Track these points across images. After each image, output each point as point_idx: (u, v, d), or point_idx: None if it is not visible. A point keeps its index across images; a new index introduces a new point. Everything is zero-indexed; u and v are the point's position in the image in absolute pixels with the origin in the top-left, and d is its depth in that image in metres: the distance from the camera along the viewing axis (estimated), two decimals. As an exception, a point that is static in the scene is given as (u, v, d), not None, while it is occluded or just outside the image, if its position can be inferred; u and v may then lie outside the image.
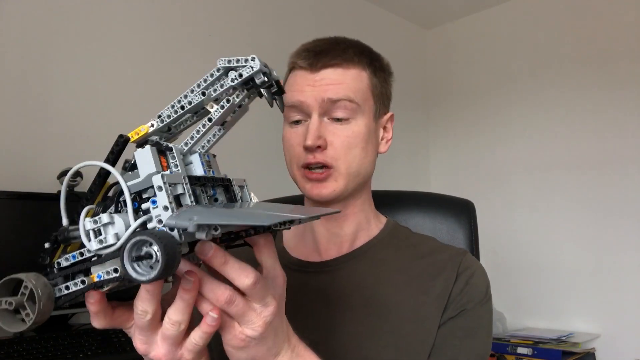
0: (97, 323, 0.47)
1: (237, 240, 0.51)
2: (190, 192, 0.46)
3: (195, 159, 0.49)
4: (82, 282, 0.44)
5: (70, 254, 0.45)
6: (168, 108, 0.48)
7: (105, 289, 0.45)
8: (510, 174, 2.52)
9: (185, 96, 0.48)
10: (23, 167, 1.45)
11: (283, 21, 2.19)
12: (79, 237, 0.44)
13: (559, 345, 1.98)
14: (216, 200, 0.50)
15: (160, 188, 0.43)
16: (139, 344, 0.48)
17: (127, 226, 0.43)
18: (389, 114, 0.83)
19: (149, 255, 0.40)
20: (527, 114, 2.49)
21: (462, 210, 1.04)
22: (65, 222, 0.46)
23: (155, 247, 0.39)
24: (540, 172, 2.41)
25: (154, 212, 0.43)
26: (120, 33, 1.71)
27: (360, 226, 0.81)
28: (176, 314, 0.46)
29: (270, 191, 1.08)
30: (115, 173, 0.45)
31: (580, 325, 2.20)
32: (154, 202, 0.43)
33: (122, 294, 0.50)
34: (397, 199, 1.08)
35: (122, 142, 0.47)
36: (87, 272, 0.45)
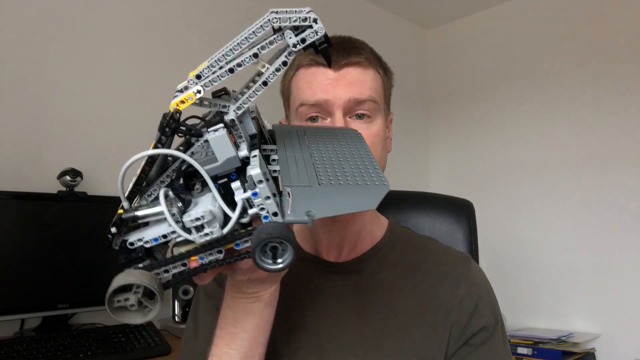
0: (204, 282, 0.52)
1: None
2: (269, 174, 0.46)
3: (245, 117, 0.50)
4: (183, 264, 0.47)
5: (150, 238, 0.46)
6: (208, 70, 0.46)
7: (210, 270, 0.48)
8: (510, 174, 2.52)
9: (227, 55, 0.46)
10: (23, 167, 1.46)
11: (283, 21, 2.19)
12: (145, 216, 0.46)
13: (559, 345, 1.98)
14: None
15: (261, 182, 0.44)
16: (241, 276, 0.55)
17: (221, 212, 0.45)
18: (391, 115, 0.85)
19: (273, 249, 0.44)
20: (527, 114, 2.49)
21: (461, 211, 1.04)
22: (126, 204, 0.47)
23: (284, 246, 0.44)
24: (540, 172, 2.41)
25: (256, 202, 0.44)
26: (120, 33, 1.71)
27: (363, 227, 0.81)
28: None
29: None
30: (196, 165, 0.45)
31: (580, 325, 2.20)
32: (255, 194, 0.44)
33: None
34: (397, 199, 1.08)
35: (185, 122, 0.47)
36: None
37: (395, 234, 0.82)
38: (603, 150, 2.23)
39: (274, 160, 0.52)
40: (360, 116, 0.74)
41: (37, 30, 1.53)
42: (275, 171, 0.49)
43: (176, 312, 1.53)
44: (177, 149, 0.48)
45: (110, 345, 1.23)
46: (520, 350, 2.00)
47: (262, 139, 0.55)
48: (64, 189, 1.39)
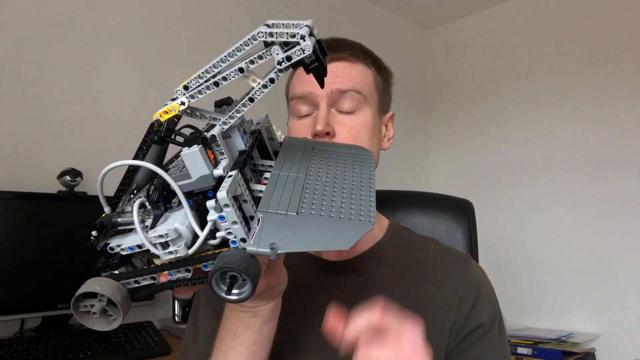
0: (184, 296, 0.52)
1: None
2: (249, 195, 0.44)
3: (233, 132, 0.48)
4: (153, 278, 0.46)
5: (126, 246, 0.46)
6: (196, 81, 0.45)
7: (175, 287, 0.47)
8: (510, 174, 2.51)
9: (216, 66, 0.44)
10: (23, 167, 1.46)
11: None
12: (126, 223, 0.46)
13: (559, 345, 1.98)
14: (251, 158, 0.51)
15: (227, 205, 0.41)
16: None
17: (191, 230, 0.44)
18: (390, 113, 0.85)
19: (233, 278, 0.41)
20: (527, 113, 2.49)
21: (461, 210, 1.04)
22: (107, 209, 0.47)
23: (243, 277, 0.41)
24: (539, 172, 2.41)
25: (223, 225, 0.42)
26: (120, 33, 1.71)
27: None
28: None
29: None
30: (169, 179, 0.44)
31: (580, 325, 2.20)
32: (221, 217, 0.42)
33: None
34: (397, 198, 1.08)
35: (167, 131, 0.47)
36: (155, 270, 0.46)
37: (395, 234, 0.83)
38: (603, 150, 2.23)
39: (266, 179, 0.50)
40: (344, 111, 0.75)
41: (37, 30, 1.53)
42: (260, 191, 0.47)
43: (176, 312, 1.53)
44: (168, 162, 0.48)
45: (110, 345, 1.23)
46: (520, 350, 2.00)
47: (266, 154, 0.55)
48: (64, 189, 1.39)
